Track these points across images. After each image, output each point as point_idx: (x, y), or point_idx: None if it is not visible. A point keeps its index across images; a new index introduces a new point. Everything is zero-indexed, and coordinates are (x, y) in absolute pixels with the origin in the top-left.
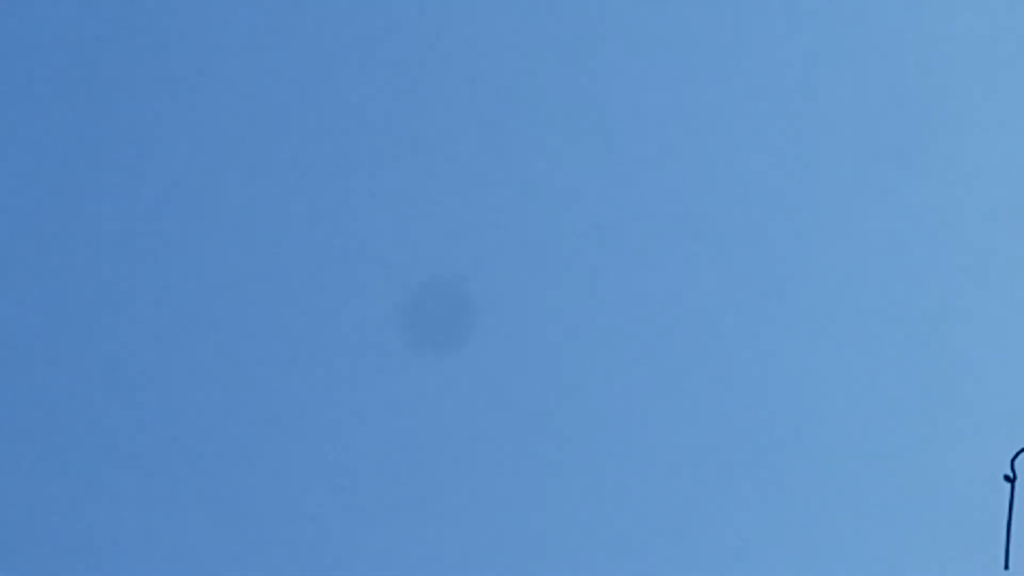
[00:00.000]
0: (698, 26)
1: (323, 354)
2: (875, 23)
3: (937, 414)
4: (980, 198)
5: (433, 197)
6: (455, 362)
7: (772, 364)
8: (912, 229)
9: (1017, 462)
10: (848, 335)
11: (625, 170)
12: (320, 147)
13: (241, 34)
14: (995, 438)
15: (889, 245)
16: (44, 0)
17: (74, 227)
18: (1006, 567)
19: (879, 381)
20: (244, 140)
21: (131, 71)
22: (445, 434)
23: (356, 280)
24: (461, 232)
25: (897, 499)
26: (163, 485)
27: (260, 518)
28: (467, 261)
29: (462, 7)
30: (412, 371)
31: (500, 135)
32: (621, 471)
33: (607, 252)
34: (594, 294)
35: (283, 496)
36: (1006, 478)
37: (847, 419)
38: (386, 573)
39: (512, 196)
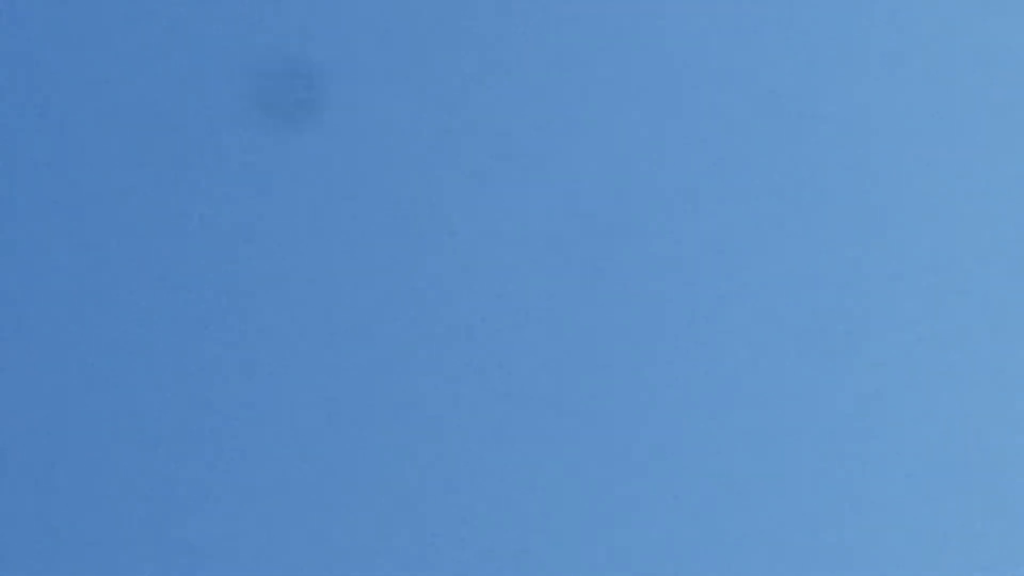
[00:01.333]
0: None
1: (172, 128)
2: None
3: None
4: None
5: None
6: (306, 135)
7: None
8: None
9: None
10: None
11: None
12: None
13: None
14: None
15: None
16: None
17: None
18: None
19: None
20: None
21: None
22: (305, 206)
23: (207, 53)
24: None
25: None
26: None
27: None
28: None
29: None
30: (264, 145)
31: None
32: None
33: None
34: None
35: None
36: None
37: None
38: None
39: None
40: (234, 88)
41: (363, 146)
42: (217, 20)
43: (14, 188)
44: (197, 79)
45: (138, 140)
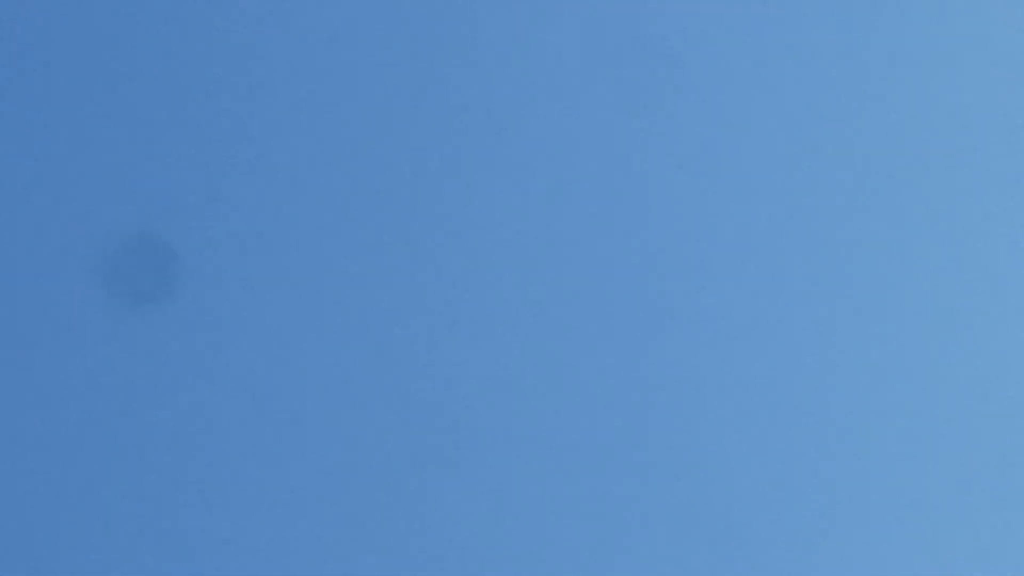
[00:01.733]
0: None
1: (21, 318)
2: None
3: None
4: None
5: (130, 147)
6: (162, 314)
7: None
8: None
9: None
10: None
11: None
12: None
13: None
14: None
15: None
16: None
17: None
18: None
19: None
20: None
21: None
22: (160, 389)
23: (52, 239)
24: (162, 181)
25: None
26: None
27: None
28: (168, 209)
29: None
30: (118, 328)
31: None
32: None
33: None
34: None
35: None
36: None
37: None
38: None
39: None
40: (87, 264)
41: (217, 323)
42: (68, 196)
43: None
44: (49, 254)
45: None
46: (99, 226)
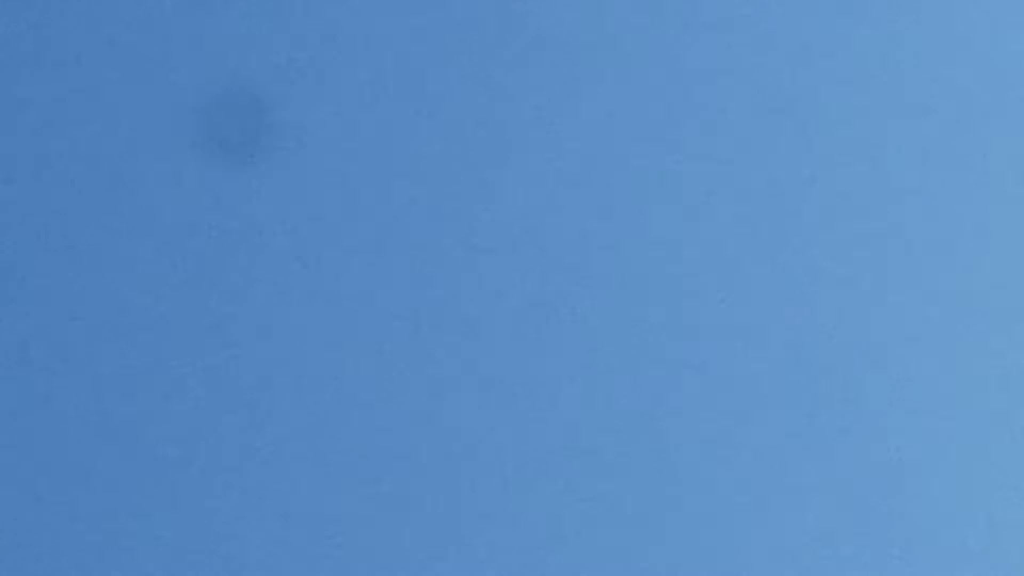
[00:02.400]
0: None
1: (107, 172)
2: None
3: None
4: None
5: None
6: (254, 175)
7: None
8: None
9: None
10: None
11: None
12: None
13: None
14: None
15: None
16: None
17: None
18: None
19: None
20: None
21: None
22: (249, 252)
23: (145, 89)
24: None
25: None
26: None
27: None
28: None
29: None
30: (208, 188)
31: None
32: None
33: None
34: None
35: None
36: None
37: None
38: None
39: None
40: (183, 123)
41: (315, 177)
42: (163, 50)
43: None
44: (143, 115)
45: (83, 181)
46: (190, 79)
